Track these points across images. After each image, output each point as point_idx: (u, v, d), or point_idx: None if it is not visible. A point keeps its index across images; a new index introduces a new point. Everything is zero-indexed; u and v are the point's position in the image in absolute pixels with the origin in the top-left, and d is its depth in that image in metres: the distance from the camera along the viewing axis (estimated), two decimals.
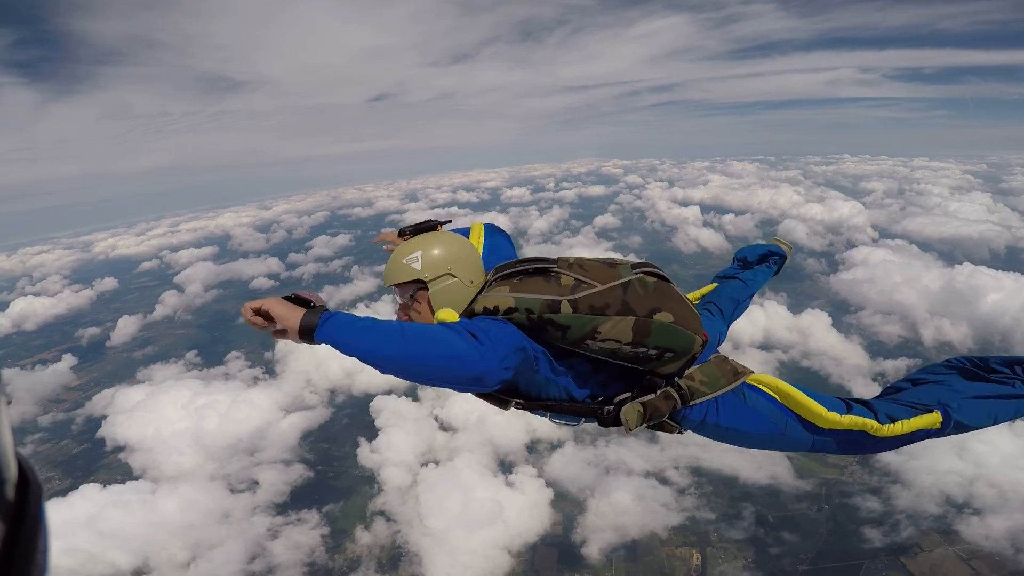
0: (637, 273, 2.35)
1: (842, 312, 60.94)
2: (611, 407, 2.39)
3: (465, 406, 45.06)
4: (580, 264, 2.39)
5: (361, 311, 68.78)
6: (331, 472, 41.65)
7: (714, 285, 3.58)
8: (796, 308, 59.11)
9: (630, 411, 2.35)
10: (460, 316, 2.36)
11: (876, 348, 53.68)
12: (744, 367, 2.53)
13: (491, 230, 3.34)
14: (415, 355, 1.89)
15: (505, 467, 39.78)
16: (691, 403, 2.41)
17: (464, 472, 37.39)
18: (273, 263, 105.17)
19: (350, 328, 1.91)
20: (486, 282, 2.53)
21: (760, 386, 2.52)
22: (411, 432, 42.52)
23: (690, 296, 3.31)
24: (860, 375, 48.48)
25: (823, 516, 34.04)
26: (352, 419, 47.67)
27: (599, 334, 2.20)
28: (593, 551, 32.62)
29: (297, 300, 2.00)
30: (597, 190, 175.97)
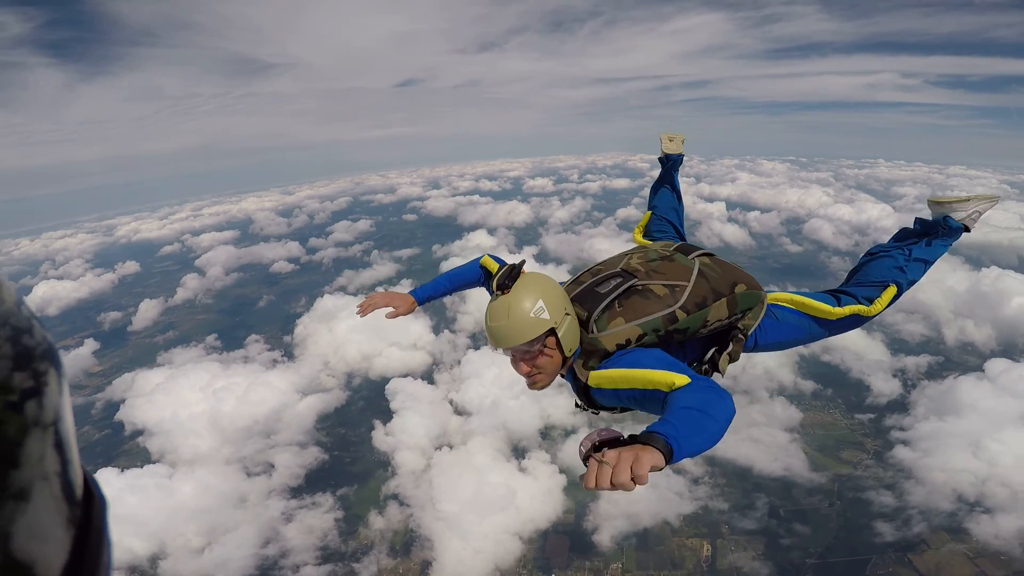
0: (694, 258, 2.78)
1: None
2: (705, 365, 2.80)
3: (480, 390, 45.54)
4: (653, 269, 2.70)
5: None
6: (346, 455, 42.19)
7: (649, 213, 4.04)
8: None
9: (723, 362, 2.76)
10: (579, 350, 2.61)
11: (898, 346, 52.91)
12: (763, 293, 2.92)
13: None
14: (724, 428, 1.96)
15: (518, 452, 39.99)
16: (747, 335, 2.84)
17: (477, 456, 37.65)
18: (293, 247, 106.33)
19: (688, 441, 1.79)
20: (579, 316, 2.63)
21: (780, 303, 3.04)
22: (426, 415, 42.83)
23: (636, 229, 3.91)
24: (881, 370, 47.93)
25: (834, 512, 33.86)
26: (368, 402, 48.23)
27: (708, 322, 2.64)
28: (604, 538, 32.72)
29: (610, 443, 1.80)
30: (622, 183, 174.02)
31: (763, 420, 41.75)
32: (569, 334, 2.51)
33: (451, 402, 45.96)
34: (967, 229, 3.21)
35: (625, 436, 1.79)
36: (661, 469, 1.68)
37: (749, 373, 45.69)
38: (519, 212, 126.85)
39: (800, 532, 32.81)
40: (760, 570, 30.37)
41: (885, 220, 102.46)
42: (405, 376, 48.59)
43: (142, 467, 39.47)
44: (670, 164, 4.24)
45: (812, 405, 44.26)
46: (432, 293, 3.64)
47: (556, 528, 34.05)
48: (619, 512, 33.94)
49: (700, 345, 2.85)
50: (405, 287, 66.16)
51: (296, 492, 38.02)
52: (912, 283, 3.15)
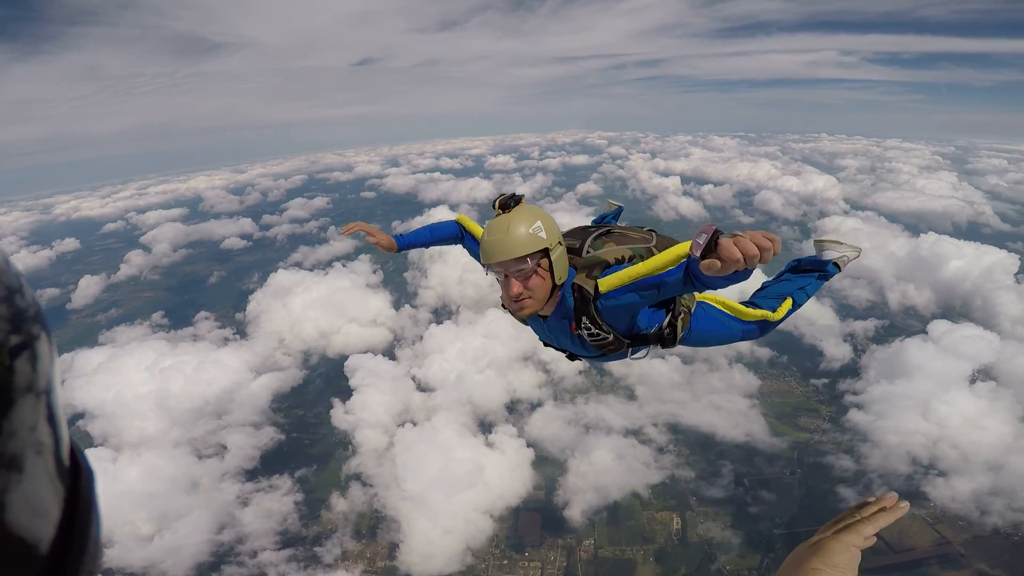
0: (646, 230, 3.22)
1: None
2: (667, 330, 3.02)
3: (444, 365, 44.61)
4: (620, 231, 3.13)
5: (338, 270, 66.79)
6: (304, 436, 40.58)
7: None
8: (770, 272, 59.67)
9: (680, 325, 3.07)
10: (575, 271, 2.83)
11: (846, 311, 55.10)
12: None
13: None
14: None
15: (485, 427, 39.30)
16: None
17: (443, 432, 36.63)
18: (246, 223, 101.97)
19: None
20: (573, 244, 2.97)
21: (706, 300, 3.39)
22: (387, 392, 41.49)
23: None
24: (831, 335, 49.71)
25: (796, 480, 34.75)
26: (326, 380, 46.57)
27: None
28: (575, 513, 32.60)
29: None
30: (581, 159, 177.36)
31: (723, 387, 42.65)
32: (561, 260, 2.66)
33: (413, 378, 44.76)
34: (839, 268, 3.85)
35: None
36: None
37: None
38: (481, 188, 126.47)
39: (767, 499, 33.52)
40: (731, 539, 30.87)
41: (830, 191, 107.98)
42: (365, 352, 47.13)
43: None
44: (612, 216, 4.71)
45: (769, 373, 45.39)
46: (412, 241, 3.78)
47: (527, 505, 33.64)
48: (588, 485, 33.95)
49: (660, 311, 3.06)
50: (364, 263, 64.03)
51: (252, 475, 36.31)
52: (801, 304, 3.65)
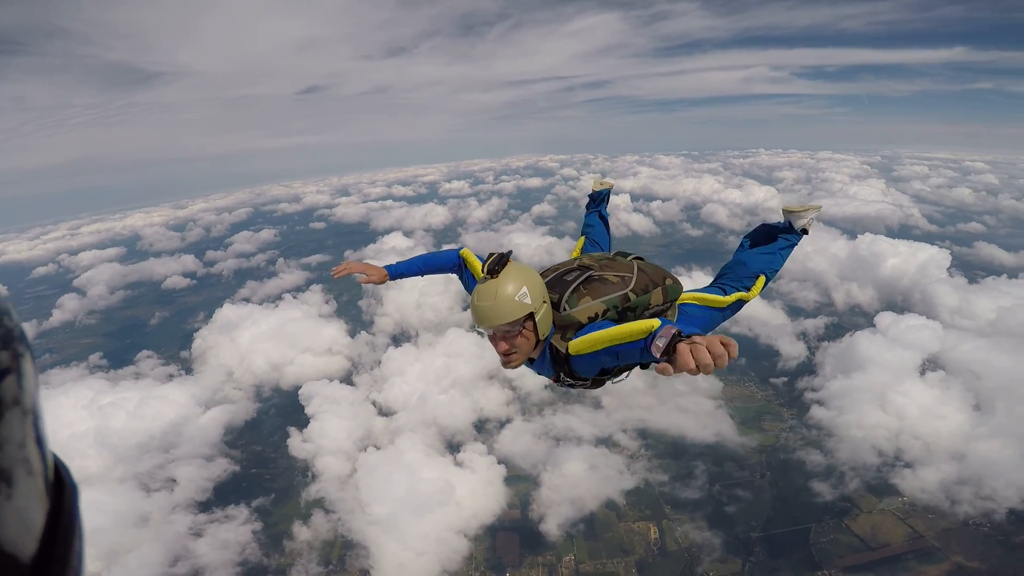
0: (631, 259, 3.33)
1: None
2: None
3: (405, 388, 43.10)
4: (603, 265, 3.20)
5: (289, 302, 64.09)
6: (260, 466, 38.32)
7: (583, 238, 4.63)
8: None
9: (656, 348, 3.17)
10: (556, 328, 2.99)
11: (796, 312, 57.21)
12: (682, 287, 3.48)
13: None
14: None
15: (453, 447, 38.10)
16: None
17: (408, 453, 35.11)
18: (188, 260, 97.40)
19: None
20: (553, 298, 3.04)
21: (685, 301, 3.49)
22: (346, 417, 39.72)
23: (574, 251, 4.44)
24: (785, 334, 51.22)
25: (766, 483, 34.86)
26: (280, 410, 44.27)
27: (651, 304, 3.12)
28: (552, 528, 31.77)
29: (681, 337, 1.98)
30: (534, 182, 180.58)
31: (687, 390, 42.90)
32: (545, 319, 2.85)
33: (374, 403, 43.08)
34: (806, 232, 4.06)
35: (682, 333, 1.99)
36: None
37: None
38: (436, 214, 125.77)
39: (742, 497, 33.51)
40: (711, 540, 30.60)
41: (771, 201, 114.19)
42: (320, 380, 45.11)
43: None
44: (600, 199, 4.87)
45: (729, 378, 45.80)
46: (405, 271, 3.83)
47: (502, 524, 32.53)
48: (563, 498, 33.17)
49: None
50: (316, 293, 61.85)
51: (205, 506, 34.12)
52: (775, 272, 3.94)
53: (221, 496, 35.04)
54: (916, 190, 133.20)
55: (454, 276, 3.77)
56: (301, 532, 32.16)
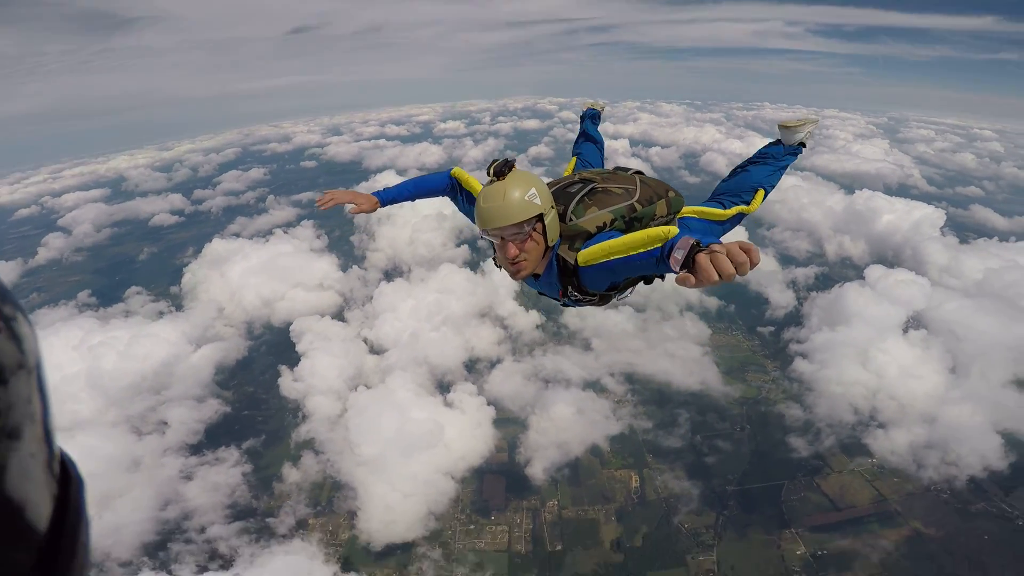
0: (632, 173, 3.30)
1: (757, 228, 65.00)
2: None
3: (396, 324, 43.24)
4: (605, 178, 3.15)
5: (279, 237, 63.35)
6: (251, 406, 38.53)
7: (573, 159, 4.46)
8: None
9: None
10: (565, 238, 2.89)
11: (787, 260, 57.58)
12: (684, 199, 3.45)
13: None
14: None
15: (443, 387, 38.41)
16: None
17: (398, 392, 35.40)
18: (176, 199, 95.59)
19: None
20: (558, 209, 2.93)
21: (685, 214, 3.47)
22: (338, 355, 39.80)
23: (566, 172, 4.16)
24: (776, 281, 51.68)
25: (745, 436, 35.55)
26: (272, 347, 44.33)
27: (656, 216, 3.09)
28: (538, 471, 32.39)
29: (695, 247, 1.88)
30: (532, 124, 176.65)
31: (675, 335, 43.47)
32: (553, 224, 2.77)
33: (365, 340, 43.21)
34: (804, 146, 4.04)
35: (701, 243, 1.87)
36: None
37: (659, 291, 47.03)
38: (430, 153, 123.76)
39: (721, 448, 34.30)
40: (690, 491, 31.42)
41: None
42: (312, 316, 45.14)
43: None
44: (589, 118, 4.81)
45: (718, 326, 46.36)
46: (396, 196, 3.63)
47: (490, 467, 33.15)
48: (549, 442, 33.81)
49: None
50: (307, 229, 60.75)
51: (196, 449, 34.44)
52: (773, 187, 3.88)
53: (212, 438, 35.32)
54: (919, 152, 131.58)
55: (448, 210, 3.59)
56: (291, 474, 32.55)
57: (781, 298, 49.19)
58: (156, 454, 33.68)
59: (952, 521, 28.95)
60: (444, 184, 3.57)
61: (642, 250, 2.33)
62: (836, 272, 56.03)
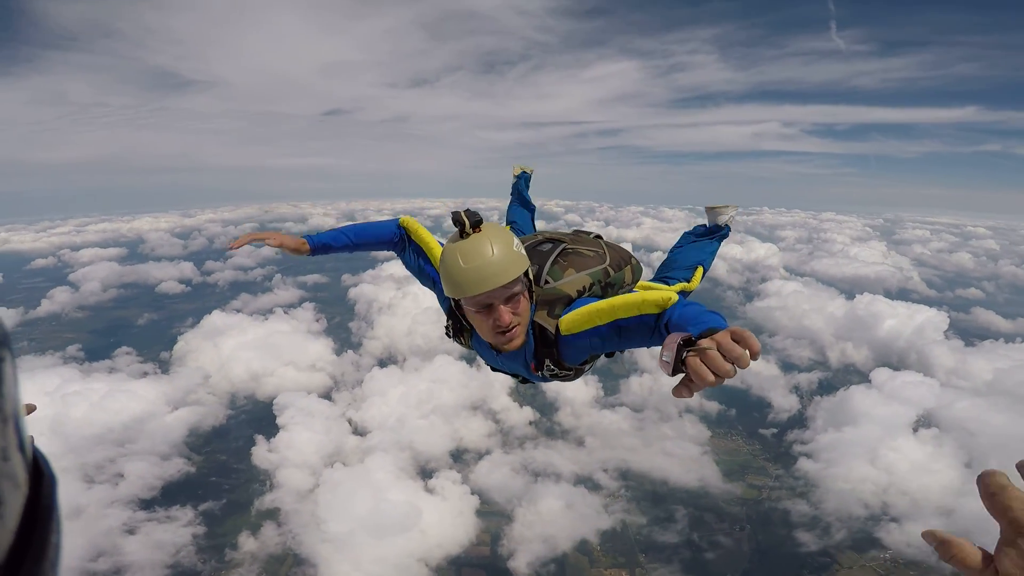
0: (594, 236, 3.03)
1: (758, 335, 63.79)
2: None
3: (384, 408, 41.74)
4: (573, 239, 2.89)
5: (279, 316, 63.36)
6: (217, 470, 36.55)
7: (507, 226, 4.23)
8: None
9: None
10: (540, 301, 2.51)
11: (789, 367, 56.04)
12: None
13: None
14: None
15: (425, 473, 36.44)
16: None
17: (376, 473, 33.48)
18: (187, 268, 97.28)
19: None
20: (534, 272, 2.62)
21: (639, 288, 3.09)
22: (318, 431, 38.20)
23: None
24: (778, 386, 50.08)
25: (745, 535, 33.42)
26: (251, 418, 42.72)
27: (626, 281, 2.81)
28: (521, 565, 30.01)
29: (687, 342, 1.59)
30: (538, 225, 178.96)
31: (674, 435, 41.59)
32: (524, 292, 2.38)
33: (349, 421, 41.60)
34: (728, 228, 4.12)
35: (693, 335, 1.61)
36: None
37: (657, 393, 45.75)
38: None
39: (723, 544, 32.01)
40: None
41: (771, 258, 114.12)
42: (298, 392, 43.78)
43: None
44: (521, 182, 4.69)
45: (717, 430, 44.44)
46: (330, 241, 3.09)
47: (469, 559, 30.65)
48: (535, 535, 31.43)
49: None
50: (308, 311, 61.03)
51: (146, 504, 32.39)
52: (710, 265, 3.90)
53: (168, 496, 33.37)
54: (917, 253, 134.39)
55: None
56: (247, 543, 30.32)
57: (784, 402, 47.65)
58: (102, 504, 31.62)
59: None
60: (391, 234, 3.14)
61: (637, 314, 2.08)
62: (840, 378, 54.55)
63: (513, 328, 2.32)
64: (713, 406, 46.54)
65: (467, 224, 2.25)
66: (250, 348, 50.74)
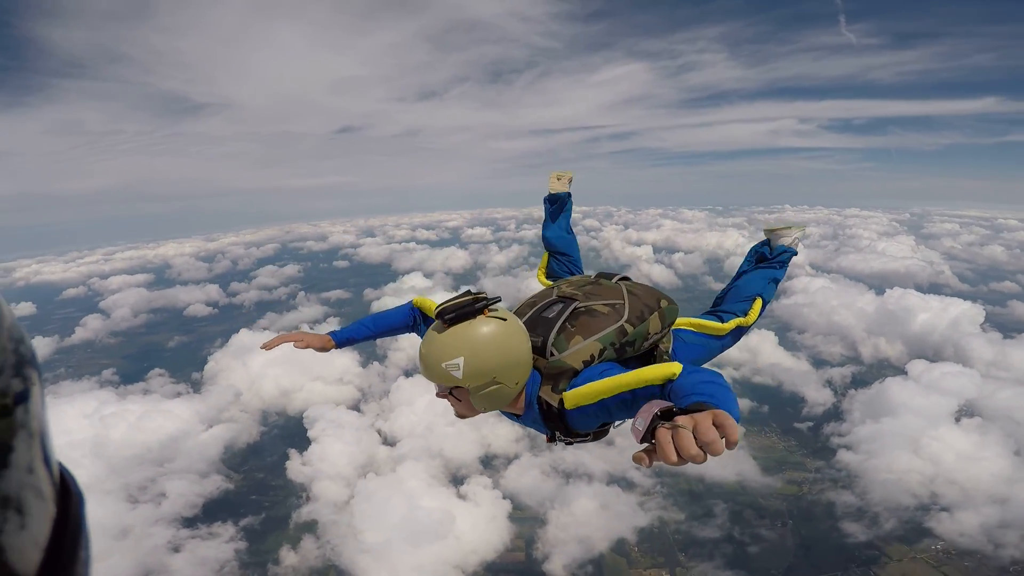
0: (616, 281, 2.88)
1: (787, 332, 63.05)
2: None
3: (412, 418, 41.98)
4: (587, 293, 2.75)
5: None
6: (254, 485, 37.11)
7: (546, 255, 4.05)
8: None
9: None
10: (541, 373, 2.45)
11: (820, 363, 54.99)
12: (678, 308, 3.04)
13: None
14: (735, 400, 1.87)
15: (456, 480, 36.51)
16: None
17: (409, 481, 33.69)
18: (213, 290, 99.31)
19: (729, 406, 1.63)
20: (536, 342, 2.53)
21: (681, 327, 3.14)
22: (349, 443, 38.59)
23: (539, 271, 4.02)
24: (811, 382, 48.97)
25: (788, 530, 32.65)
26: (284, 433, 43.37)
27: (649, 334, 2.69)
28: (557, 567, 29.72)
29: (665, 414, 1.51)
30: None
31: None
32: (488, 399, 2.37)
33: (379, 431, 41.94)
34: (795, 251, 3.75)
35: (676, 408, 1.53)
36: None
37: None
38: (457, 258, 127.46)
39: (766, 538, 31.48)
40: None
41: (797, 256, 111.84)
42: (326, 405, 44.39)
43: None
44: (559, 203, 4.18)
45: (751, 428, 43.54)
46: (352, 335, 3.22)
47: (505, 566, 30.43)
48: (570, 537, 31.12)
49: (635, 364, 2.71)
50: (333, 326, 62.14)
51: (189, 522, 32.88)
52: (772, 295, 3.58)
53: (209, 513, 33.87)
54: (947, 247, 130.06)
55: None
56: (288, 557, 30.64)
57: (818, 396, 46.61)
58: (147, 523, 32.18)
59: None
60: (407, 318, 3.21)
61: (641, 387, 2.05)
62: (873, 373, 53.12)
63: (456, 411, 2.48)
64: (745, 403, 45.58)
65: (444, 317, 2.24)
66: (278, 365, 51.45)
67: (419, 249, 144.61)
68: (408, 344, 59.83)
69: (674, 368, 1.92)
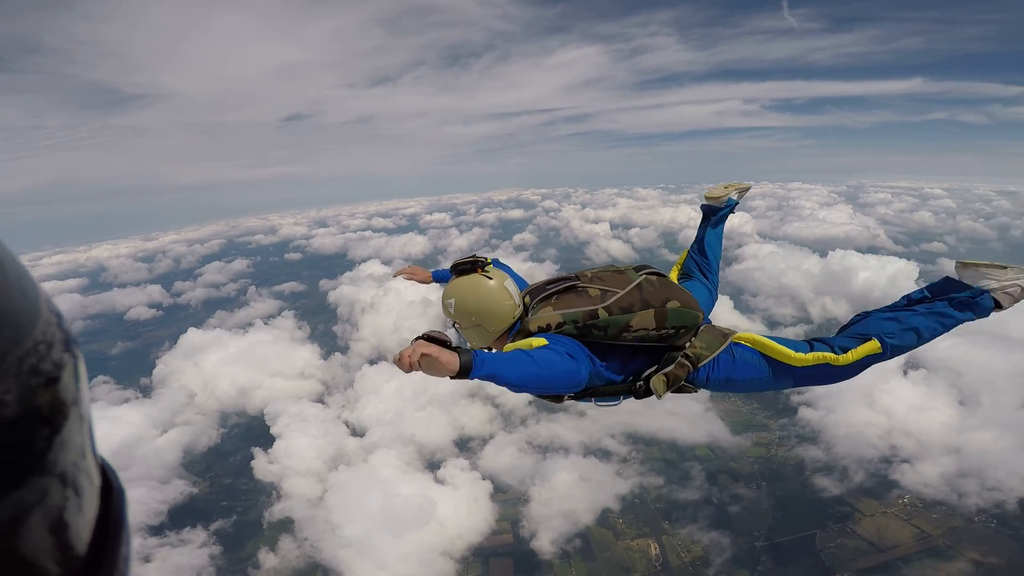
0: (642, 274, 2.90)
1: (741, 296, 65.90)
2: (641, 382, 2.83)
3: (379, 406, 40.98)
4: (599, 276, 2.91)
5: (259, 328, 61.61)
6: (220, 488, 35.50)
7: (685, 252, 3.91)
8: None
9: (657, 381, 2.78)
10: (502, 336, 2.97)
11: (773, 324, 57.86)
12: (729, 329, 2.96)
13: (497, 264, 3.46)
14: (544, 376, 2.39)
15: (432, 464, 35.92)
16: (698, 366, 2.84)
17: (383, 470, 32.87)
18: (155, 291, 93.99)
19: (498, 361, 2.23)
20: (527, 305, 2.97)
21: (743, 342, 2.89)
22: (316, 436, 37.28)
23: (673, 269, 3.81)
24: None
25: (763, 492, 33.79)
26: (246, 433, 41.51)
27: (631, 327, 2.73)
28: (545, 544, 29.88)
29: (432, 340, 2.09)
30: (516, 213, 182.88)
31: (673, 396, 41.91)
32: (471, 335, 2.98)
33: (346, 423, 40.71)
34: (999, 307, 2.68)
35: (451, 342, 2.08)
36: (450, 376, 2.06)
37: None
38: (416, 243, 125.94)
39: (744, 497, 32.48)
40: (719, 541, 29.41)
41: (745, 226, 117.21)
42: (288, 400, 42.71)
43: None
44: (722, 212, 3.89)
45: (713, 394, 44.93)
46: (444, 277, 3.41)
47: (494, 550, 30.30)
48: (554, 512, 31.35)
49: (643, 359, 2.88)
50: (288, 319, 59.54)
51: (156, 530, 31.38)
52: (898, 349, 2.74)
53: (176, 519, 32.28)
54: (881, 214, 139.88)
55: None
56: (268, 559, 29.50)
57: None
58: None
59: (1011, 547, 27.58)
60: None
61: (515, 350, 2.46)
62: (823, 332, 54.90)
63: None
64: None
65: (454, 270, 2.97)
66: (233, 363, 49.29)
67: (375, 237, 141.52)
68: (370, 333, 58.56)
69: (534, 342, 2.51)
